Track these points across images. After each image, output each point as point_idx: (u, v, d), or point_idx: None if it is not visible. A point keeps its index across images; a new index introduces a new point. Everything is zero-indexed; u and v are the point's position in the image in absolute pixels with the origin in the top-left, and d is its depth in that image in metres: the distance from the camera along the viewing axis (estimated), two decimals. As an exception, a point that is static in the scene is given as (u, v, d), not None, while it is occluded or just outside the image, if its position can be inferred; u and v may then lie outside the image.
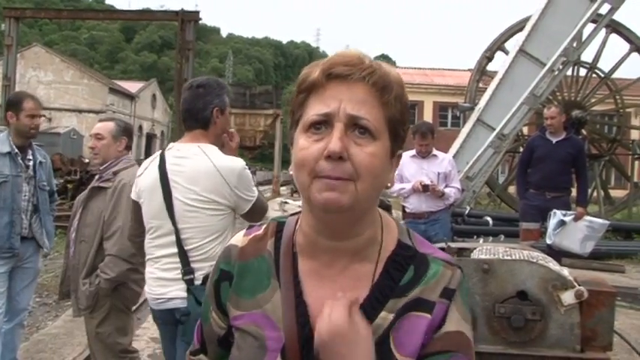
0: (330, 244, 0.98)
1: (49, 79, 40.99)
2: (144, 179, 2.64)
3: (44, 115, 3.98)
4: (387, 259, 1.00)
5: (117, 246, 3.21)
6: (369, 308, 0.96)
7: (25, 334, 4.60)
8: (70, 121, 39.25)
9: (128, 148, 3.55)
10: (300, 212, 1.07)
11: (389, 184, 0.98)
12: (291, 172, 0.97)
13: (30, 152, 3.93)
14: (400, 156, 1.01)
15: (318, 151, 0.91)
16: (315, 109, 0.93)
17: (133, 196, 2.71)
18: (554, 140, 6.16)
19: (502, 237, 9.89)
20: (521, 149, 16.13)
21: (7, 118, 3.87)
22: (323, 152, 0.90)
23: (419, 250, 1.02)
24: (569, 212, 6.02)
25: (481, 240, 7.25)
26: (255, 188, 2.65)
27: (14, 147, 3.80)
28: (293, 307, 0.99)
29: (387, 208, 2.93)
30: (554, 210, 6.00)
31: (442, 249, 2.97)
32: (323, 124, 0.92)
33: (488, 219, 11.15)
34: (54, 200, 4.27)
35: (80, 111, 41.05)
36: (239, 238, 1.10)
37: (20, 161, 3.83)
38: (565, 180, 6.18)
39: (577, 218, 5.99)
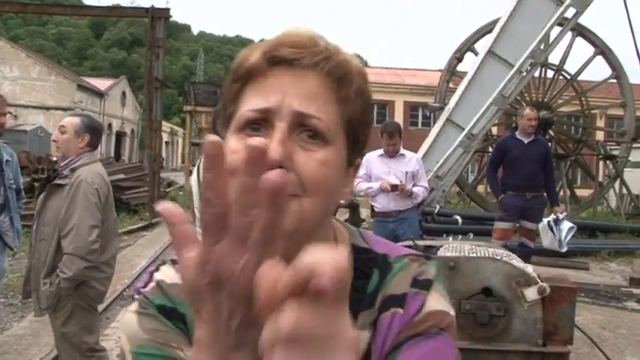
0: None
1: (14, 75, 40.00)
2: (192, 181, 3.59)
3: (10, 113, 3.90)
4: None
5: (73, 244, 3.17)
6: None
7: (-11, 335, 4.52)
8: (36, 119, 38.38)
9: (92, 146, 3.47)
10: None
11: (342, 201, 0.78)
12: None
13: None
14: (359, 166, 0.82)
15: None
16: (251, 104, 0.73)
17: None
18: (525, 141, 6.35)
19: (471, 235, 10.06)
20: (491, 149, 16.43)
21: None
22: None
23: (379, 252, 0.84)
24: (559, 216, 6.31)
25: (450, 238, 7.39)
26: None
27: None
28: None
29: (355, 207, 2.96)
30: (557, 215, 6.26)
31: (409, 247, 3.03)
32: (261, 122, 0.72)
33: (458, 218, 11.30)
34: (21, 198, 4.20)
35: (47, 108, 40.17)
36: (170, 274, 0.79)
37: (-15, 160, 3.76)
38: (541, 179, 6.42)
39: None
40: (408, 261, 0.83)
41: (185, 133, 36.36)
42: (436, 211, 11.04)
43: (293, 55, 0.72)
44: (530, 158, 6.28)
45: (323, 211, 0.74)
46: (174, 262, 0.81)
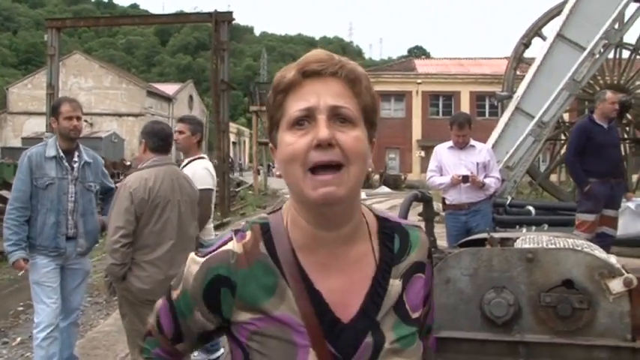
0: (329, 234, 1.03)
1: (89, 85, 42.00)
2: None
3: (81, 117, 4.11)
4: (378, 234, 1.11)
5: (106, 244, 3.44)
6: (382, 279, 1.07)
7: (79, 331, 4.77)
8: (110, 126, 40.16)
9: (152, 149, 3.60)
10: (278, 210, 1.11)
11: (370, 169, 1.03)
12: (278, 173, 0.98)
13: (77, 154, 4.06)
14: (374, 143, 1.07)
15: (307, 143, 0.96)
16: (296, 106, 0.99)
17: None
18: (605, 126, 6.08)
19: (546, 226, 9.75)
20: (563, 137, 15.84)
21: (52, 124, 4.08)
22: (311, 143, 0.96)
23: (394, 221, 1.15)
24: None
25: (524, 230, 7.18)
26: None
27: (60, 151, 3.95)
28: (308, 300, 1.01)
29: (429, 201, 2.93)
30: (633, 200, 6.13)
31: (484, 239, 2.96)
32: (305, 119, 0.98)
33: (531, 208, 10.95)
34: (110, 196, 4.31)
35: (120, 115, 41.96)
36: (235, 244, 1.07)
37: (66, 164, 3.96)
38: (623, 164, 6.25)
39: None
40: (419, 234, 1.16)
41: (252, 133, 37.01)
42: (508, 202, 10.74)
43: (320, 67, 1.00)
44: (613, 144, 6.11)
45: (361, 176, 1.00)
46: (235, 233, 1.09)
